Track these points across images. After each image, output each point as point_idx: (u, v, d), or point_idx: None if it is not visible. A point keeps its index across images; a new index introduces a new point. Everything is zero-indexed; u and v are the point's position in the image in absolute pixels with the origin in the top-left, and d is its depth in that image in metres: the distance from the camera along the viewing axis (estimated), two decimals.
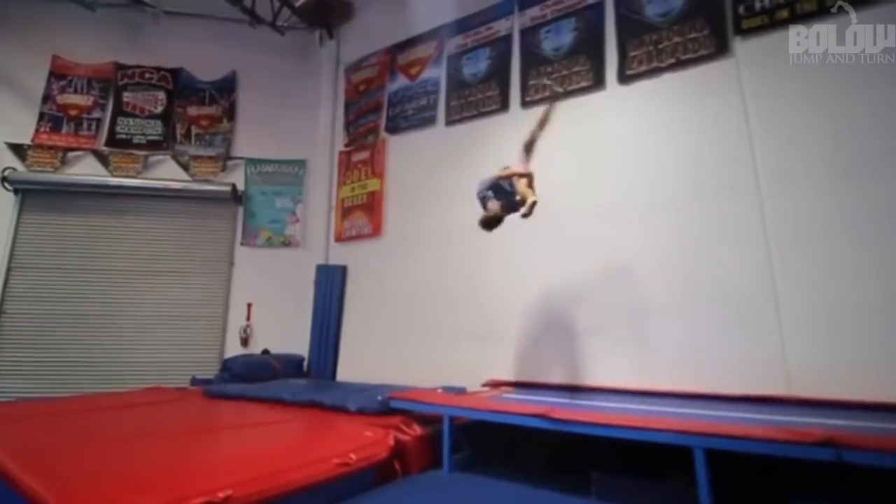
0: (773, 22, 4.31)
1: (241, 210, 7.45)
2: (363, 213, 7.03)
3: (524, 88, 5.78)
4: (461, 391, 4.16)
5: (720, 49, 4.55)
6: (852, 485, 2.25)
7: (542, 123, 4.07)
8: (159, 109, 7.62)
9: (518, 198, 3.74)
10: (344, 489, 2.48)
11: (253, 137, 7.70)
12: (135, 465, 2.46)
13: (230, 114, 7.78)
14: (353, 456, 2.61)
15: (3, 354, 6.50)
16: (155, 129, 7.53)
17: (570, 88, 5.40)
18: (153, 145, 7.45)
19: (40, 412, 4.07)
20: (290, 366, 6.52)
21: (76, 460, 2.52)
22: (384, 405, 3.64)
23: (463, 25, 6.55)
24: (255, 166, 7.62)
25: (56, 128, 7.25)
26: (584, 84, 5.34)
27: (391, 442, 3.00)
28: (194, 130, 7.65)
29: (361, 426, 3.28)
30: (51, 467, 2.31)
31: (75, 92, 7.44)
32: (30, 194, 6.94)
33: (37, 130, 7.18)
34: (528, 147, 4.00)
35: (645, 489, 2.65)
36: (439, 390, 4.06)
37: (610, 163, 5.02)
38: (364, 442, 2.93)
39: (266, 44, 7.76)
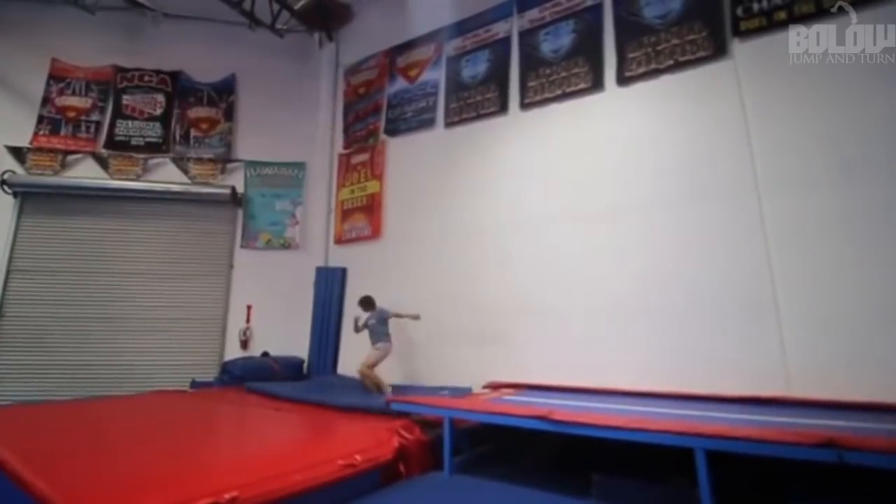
0: (771, 23, 4.34)
1: (240, 212, 7.46)
2: (363, 215, 7.03)
3: (523, 90, 5.80)
4: (467, 392, 4.16)
5: (718, 51, 4.58)
6: (851, 485, 2.26)
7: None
8: (158, 112, 7.63)
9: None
10: (349, 490, 2.48)
11: (252, 140, 7.72)
12: (141, 466, 2.47)
13: (229, 116, 7.79)
14: (358, 457, 2.61)
15: (3, 357, 6.49)
16: (154, 132, 7.53)
17: (568, 90, 5.43)
18: (152, 147, 7.46)
19: (47, 414, 4.07)
20: (289, 368, 6.52)
21: (83, 461, 2.53)
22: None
23: (462, 28, 6.57)
24: (254, 168, 7.62)
25: (54, 130, 7.25)
26: (582, 86, 5.36)
27: (395, 444, 2.99)
28: (193, 133, 7.65)
29: (371, 428, 3.26)
30: (58, 468, 2.32)
31: (73, 94, 7.44)
32: (29, 197, 6.94)
33: (35, 133, 7.18)
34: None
35: (646, 491, 2.64)
36: (444, 392, 4.06)
37: (608, 164, 5.03)
38: (369, 443, 2.93)
39: (265, 46, 7.78)
